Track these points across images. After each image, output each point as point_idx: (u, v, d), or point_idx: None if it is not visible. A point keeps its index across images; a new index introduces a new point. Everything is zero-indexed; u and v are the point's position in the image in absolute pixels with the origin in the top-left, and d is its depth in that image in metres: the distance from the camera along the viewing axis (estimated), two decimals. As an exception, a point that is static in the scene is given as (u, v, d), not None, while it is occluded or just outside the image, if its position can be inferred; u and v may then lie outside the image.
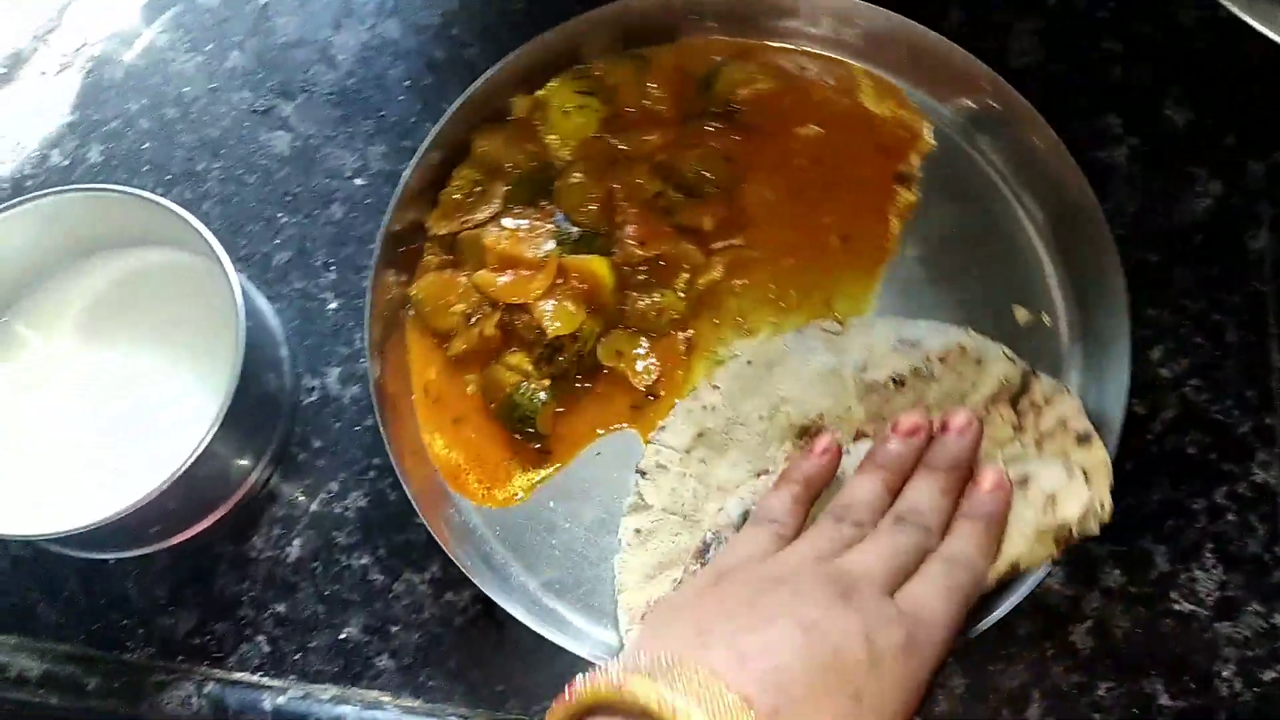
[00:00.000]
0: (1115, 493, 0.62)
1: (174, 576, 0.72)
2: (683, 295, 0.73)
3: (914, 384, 0.68)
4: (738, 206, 0.75)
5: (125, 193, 0.68)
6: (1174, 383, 0.72)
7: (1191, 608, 0.68)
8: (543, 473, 0.71)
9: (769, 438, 0.69)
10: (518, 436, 0.71)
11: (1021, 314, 0.73)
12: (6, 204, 0.68)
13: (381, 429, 0.67)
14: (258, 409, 0.68)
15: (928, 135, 0.77)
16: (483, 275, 0.72)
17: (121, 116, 0.85)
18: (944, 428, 0.63)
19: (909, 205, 0.76)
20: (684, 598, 0.59)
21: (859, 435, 0.68)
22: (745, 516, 0.65)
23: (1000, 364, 0.68)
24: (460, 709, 0.68)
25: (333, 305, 0.78)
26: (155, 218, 0.68)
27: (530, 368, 0.71)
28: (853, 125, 0.77)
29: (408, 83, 0.84)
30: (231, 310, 0.65)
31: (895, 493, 0.62)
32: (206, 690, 0.69)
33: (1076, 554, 0.66)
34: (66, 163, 0.84)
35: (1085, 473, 0.63)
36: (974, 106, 0.76)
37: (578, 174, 0.74)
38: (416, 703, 0.69)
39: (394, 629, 0.70)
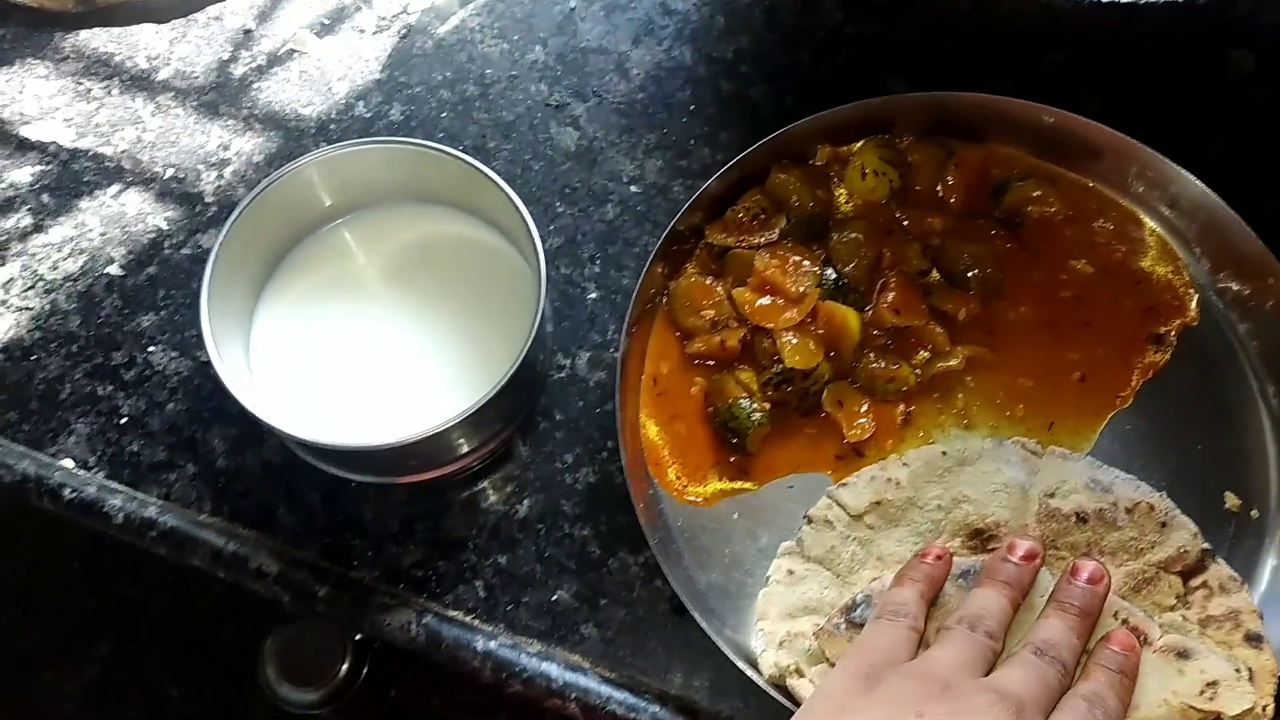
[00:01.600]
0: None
1: (409, 510, 0.77)
2: (918, 372, 0.76)
3: (1095, 525, 0.69)
4: (993, 311, 0.78)
5: (458, 157, 0.72)
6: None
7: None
8: (736, 486, 0.75)
9: (940, 528, 0.71)
10: (725, 447, 0.75)
11: (1232, 500, 0.74)
12: (364, 140, 0.74)
13: (616, 397, 0.72)
14: (522, 380, 0.72)
15: (1194, 310, 0.78)
16: (743, 291, 0.76)
17: (425, 84, 0.91)
18: (1074, 572, 0.65)
19: (1155, 365, 0.77)
20: (840, 692, 0.60)
21: None
22: None
23: (1183, 534, 0.69)
24: (654, 688, 0.72)
25: (593, 295, 0.83)
26: (474, 185, 0.73)
27: (757, 388, 0.75)
28: (1124, 276, 0.79)
29: (693, 107, 0.89)
30: (518, 284, 0.72)
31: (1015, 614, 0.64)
32: (425, 620, 0.73)
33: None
34: (369, 115, 0.90)
35: (1251, 672, 0.64)
36: (1247, 293, 0.77)
37: (856, 231, 0.78)
38: (614, 674, 0.72)
39: (603, 601, 0.74)
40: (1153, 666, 0.64)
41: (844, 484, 0.73)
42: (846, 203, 0.81)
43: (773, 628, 0.70)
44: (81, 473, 0.78)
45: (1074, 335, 0.78)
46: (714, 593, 0.73)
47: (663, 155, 0.87)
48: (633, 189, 0.87)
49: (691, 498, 0.75)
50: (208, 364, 0.67)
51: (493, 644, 0.73)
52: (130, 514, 0.76)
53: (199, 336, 0.68)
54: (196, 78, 0.92)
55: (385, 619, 0.73)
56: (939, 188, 0.81)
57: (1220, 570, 0.68)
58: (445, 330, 0.76)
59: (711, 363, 0.77)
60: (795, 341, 0.75)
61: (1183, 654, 0.64)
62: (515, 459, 0.78)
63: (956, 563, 0.68)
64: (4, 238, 0.86)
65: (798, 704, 0.66)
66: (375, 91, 0.91)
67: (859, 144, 0.81)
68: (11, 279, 0.85)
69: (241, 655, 0.75)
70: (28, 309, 0.84)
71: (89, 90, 0.92)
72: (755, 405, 0.74)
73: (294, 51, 0.94)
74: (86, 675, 0.83)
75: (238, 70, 0.93)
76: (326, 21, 0.95)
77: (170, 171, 0.88)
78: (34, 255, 0.86)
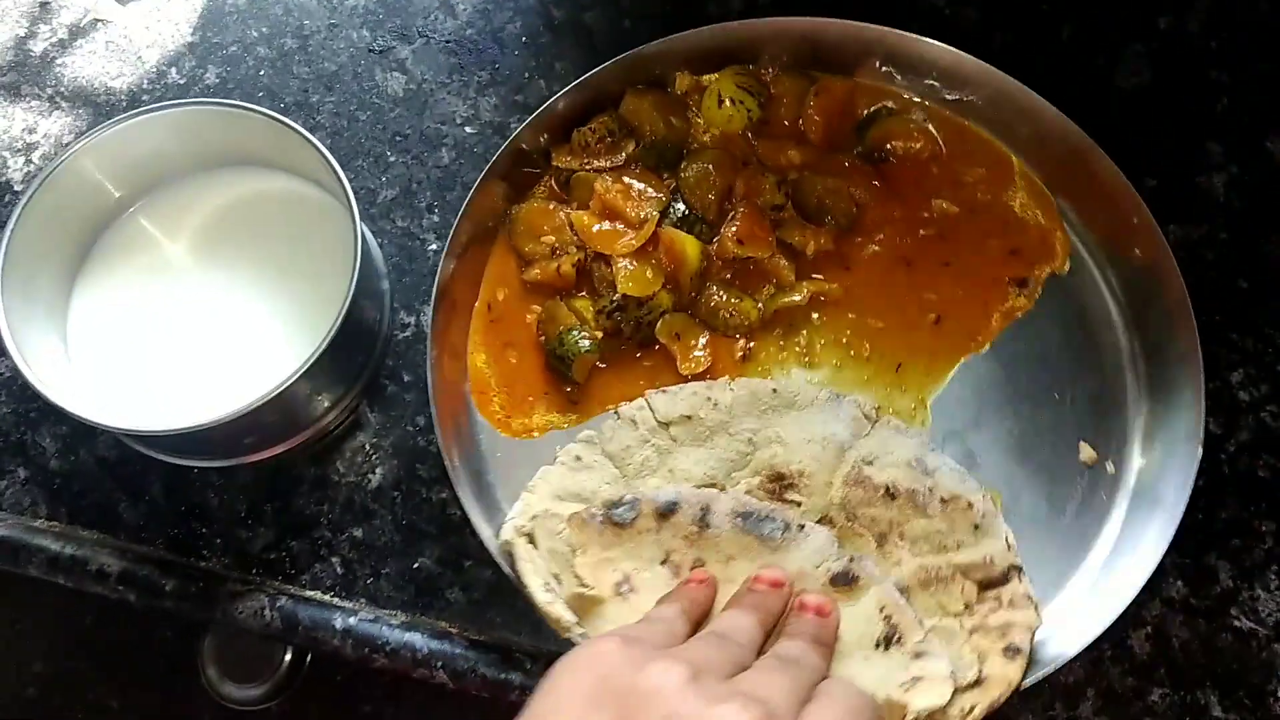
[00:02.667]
0: (1188, 509, 0.65)
1: (255, 492, 0.73)
2: (760, 307, 0.72)
3: (903, 505, 0.65)
4: (847, 248, 0.74)
5: (256, 112, 0.70)
6: (1252, 406, 0.73)
7: (1252, 625, 0.68)
8: (564, 419, 0.71)
9: (743, 463, 0.68)
10: (556, 377, 0.71)
11: (1087, 452, 0.70)
12: (144, 109, 0.70)
13: (430, 320, 0.68)
14: (356, 337, 0.69)
15: (1061, 256, 0.75)
16: (581, 215, 0.73)
17: (240, 42, 0.87)
18: (802, 605, 0.61)
19: (1016, 310, 0.73)
20: (596, 662, 0.53)
21: (823, 519, 0.66)
22: (671, 507, 0.64)
23: (995, 544, 0.64)
24: (526, 647, 0.68)
25: (433, 246, 0.79)
26: (281, 140, 0.70)
27: (590, 316, 0.71)
28: (992, 217, 0.76)
29: (524, 39, 0.85)
30: (340, 238, 0.68)
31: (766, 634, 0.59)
32: (280, 604, 0.69)
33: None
34: (183, 81, 0.86)
35: (981, 678, 0.60)
36: (1114, 239, 0.74)
37: (708, 161, 0.74)
38: (483, 637, 0.69)
39: (467, 564, 0.70)
40: (886, 661, 0.60)
41: (664, 390, 0.69)
42: (705, 133, 0.77)
43: (535, 501, 0.66)
44: None
45: (932, 275, 0.74)
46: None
47: (496, 92, 0.83)
48: (468, 130, 0.82)
49: (516, 429, 0.71)
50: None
51: (352, 620, 0.69)
52: None
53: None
54: (-9, 57, 0.86)
55: (237, 606, 0.69)
56: (800, 120, 0.77)
57: (1019, 587, 0.63)
58: (269, 297, 0.72)
59: (551, 291, 0.74)
60: (631, 268, 0.71)
61: (918, 655, 0.60)
62: (365, 427, 0.74)
63: (744, 502, 0.64)
64: None
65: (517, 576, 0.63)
66: (188, 55, 0.86)
67: (716, 75, 0.77)
68: None
69: (180, 658, 0.73)
70: None
71: (-125, 83, 0.85)
72: (585, 333, 0.70)
73: (97, 21, 0.88)
74: (23, 696, 0.79)
75: (38, 46, 0.87)
76: (128, -15, 0.89)
77: None
78: None
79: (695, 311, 0.72)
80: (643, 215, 0.72)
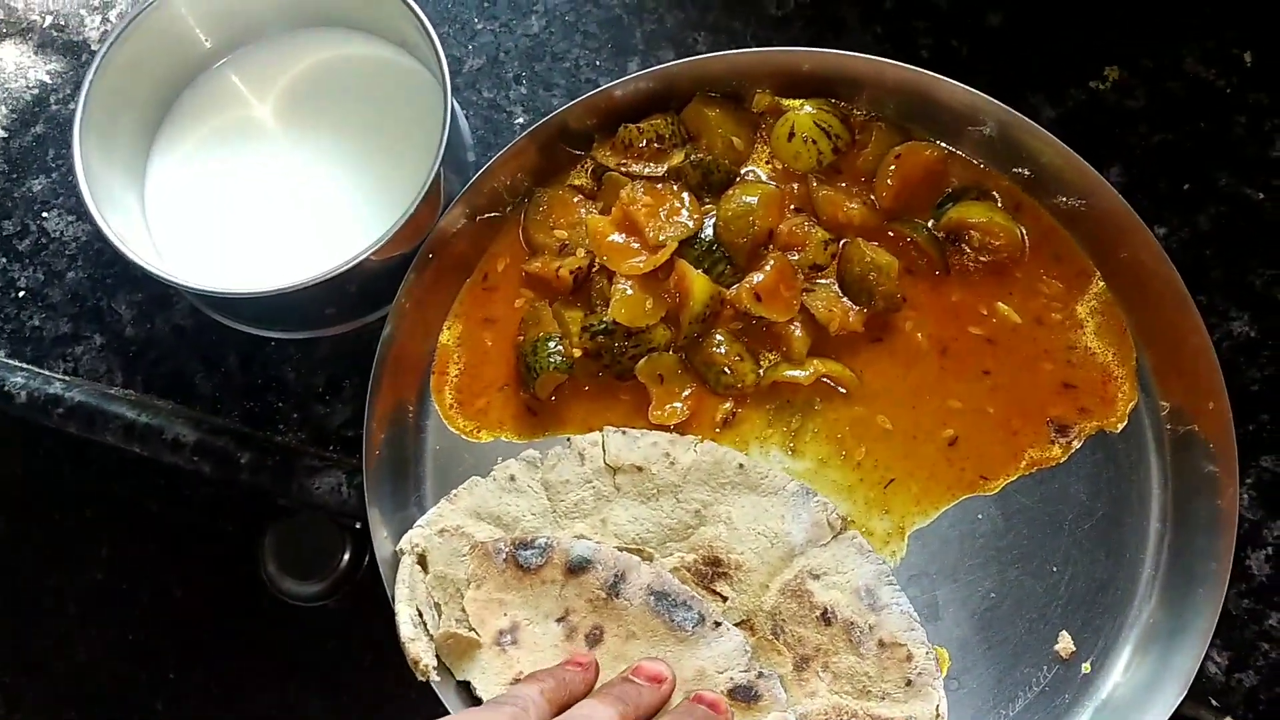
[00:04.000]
0: None
1: (333, 367, 0.70)
2: (759, 373, 0.65)
3: (836, 635, 0.59)
4: (877, 332, 0.66)
5: None
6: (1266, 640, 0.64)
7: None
8: (515, 430, 0.66)
9: (683, 534, 0.61)
10: (520, 380, 0.66)
11: (1065, 642, 0.61)
12: None
13: (410, 273, 0.64)
14: (444, 196, 0.66)
15: (1120, 414, 0.65)
16: (598, 220, 0.66)
17: None
18: (698, 698, 0.56)
19: (1046, 460, 0.64)
20: None
21: (745, 622, 0.60)
22: (583, 564, 0.59)
23: (924, 706, 0.58)
24: None
25: (519, 120, 0.74)
26: (375, 2, 0.66)
27: (575, 330, 0.65)
28: (1056, 339, 0.66)
29: None
30: (429, 109, 0.65)
31: None
32: (357, 482, 0.67)
33: (1266, 479, 0.64)
34: None
35: None
36: (1185, 416, 0.63)
37: (754, 196, 0.66)
38: None
39: None
40: None
41: (624, 431, 0.63)
42: (766, 163, 0.69)
43: (450, 513, 0.62)
44: None
45: (965, 378, 0.65)
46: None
47: None
48: None
49: (462, 425, 0.66)
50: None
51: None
52: (34, 391, 0.70)
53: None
54: (70, -90, 0.83)
55: (314, 482, 0.68)
56: (874, 178, 0.68)
57: None
58: (354, 165, 0.69)
59: (545, 289, 0.68)
60: (630, 294, 0.64)
61: None
62: None
63: (664, 580, 0.59)
64: None
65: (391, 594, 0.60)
66: None
67: (802, 102, 0.68)
68: None
69: (241, 551, 0.73)
70: None
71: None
72: (560, 348, 0.64)
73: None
74: (89, 579, 0.82)
75: None
76: None
77: (49, 19, 0.79)
78: None
79: (689, 355, 0.65)
80: (662, 238, 0.65)
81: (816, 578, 0.60)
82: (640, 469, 0.62)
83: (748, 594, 0.60)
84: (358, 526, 0.69)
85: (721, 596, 0.60)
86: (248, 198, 0.69)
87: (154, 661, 0.80)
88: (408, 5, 0.64)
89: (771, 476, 0.62)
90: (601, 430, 0.63)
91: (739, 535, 0.60)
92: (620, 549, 0.60)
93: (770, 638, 0.59)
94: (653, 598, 0.58)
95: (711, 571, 0.60)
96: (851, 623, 0.59)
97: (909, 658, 0.58)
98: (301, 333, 0.69)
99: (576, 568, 0.59)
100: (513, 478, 0.62)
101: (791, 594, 0.59)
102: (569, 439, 0.63)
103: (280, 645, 0.75)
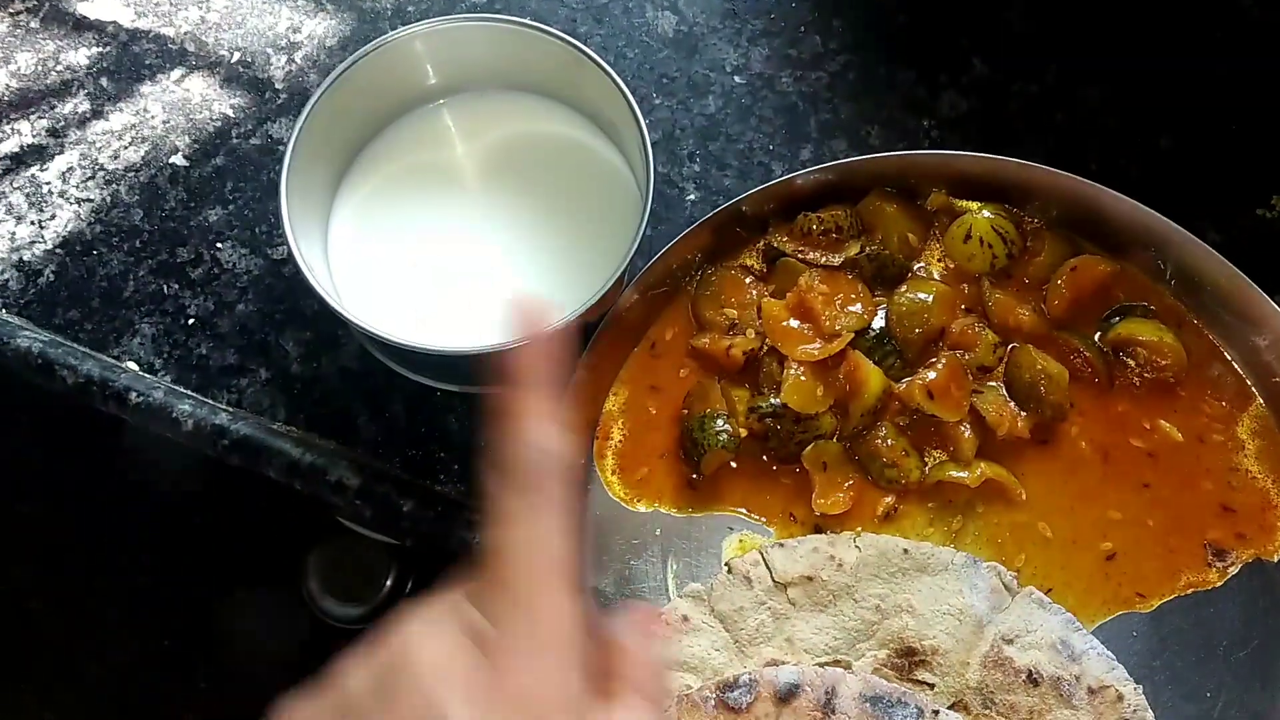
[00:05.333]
0: None
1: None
2: (924, 471, 0.65)
3: (1046, 692, 0.59)
4: (1042, 437, 0.66)
5: (566, 42, 0.67)
6: None
7: None
8: (675, 502, 0.66)
9: (869, 632, 0.61)
10: (682, 454, 0.66)
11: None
12: (468, 15, 0.68)
13: (589, 345, 0.64)
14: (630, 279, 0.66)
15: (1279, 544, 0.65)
16: (773, 304, 0.67)
17: None
18: None
19: (1203, 584, 0.64)
20: None
21: (957, 703, 0.59)
22: (793, 690, 0.58)
23: None
24: None
25: (691, 196, 0.76)
26: (579, 74, 0.67)
27: (742, 410, 0.66)
28: (1218, 459, 0.66)
29: None
30: (622, 187, 0.68)
31: None
32: None
33: None
34: None
35: None
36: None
37: (929, 293, 0.67)
38: None
39: None
40: None
41: (781, 544, 0.63)
42: (938, 260, 0.70)
43: None
44: (147, 376, 0.73)
45: (1126, 488, 0.66)
46: (596, 599, 0.64)
47: (769, 43, 0.79)
48: (736, 79, 0.78)
49: (619, 491, 0.66)
50: (280, 262, 0.61)
51: None
52: (200, 420, 0.71)
53: (270, 232, 0.62)
54: (265, -48, 0.85)
55: (475, 535, 0.67)
56: (1045, 286, 0.69)
57: None
58: (539, 233, 0.70)
59: (712, 366, 0.68)
60: (804, 379, 0.65)
61: None
62: None
63: (873, 684, 0.58)
64: (61, 123, 0.81)
65: None
66: None
67: (979, 204, 0.69)
68: (70, 168, 0.79)
69: (285, 567, 0.73)
70: (88, 200, 0.78)
71: (149, -35, 0.85)
72: (728, 426, 0.65)
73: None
74: (133, 583, 0.82)
75: None
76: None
77: (237, 55, 0.82)
78: (93, 143, 0.80)
79: (854, 447, 0.66)
80: (838, 327, 0.66)
81: (1010, 642, 0.60)
82: (810, 578, 0.62)
83: (951, 675, 0.60)
84: (405, 546, 0.69)
85: (927, 684, 0.60)
86: (431, 248, 0.70)
87: (187, 671, 0.80)
88: (634, 116, 0.65)
89: (937, 554, 0.62)
90: (759, 549, 0.63)
91: (925, 620, 0.60)
92: (819, 664, 0.60)
93: (984, 712, 0.59)
94: (868, 704, 0.58)
95: (908, 663, 0.60)
96: (1058, 678, 0.59)
97: (1120, 698, 0.59)
98: (470, 387, 0.70)
99: (786, 695, 0.58)
100: (685, 618, 0.62)
101: (993, 664, 0.59)
102: (727, 565, 0.64)
103: (316, 666, 0.75)
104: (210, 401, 0.72)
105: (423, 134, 0.72)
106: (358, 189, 0.71)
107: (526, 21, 0.68)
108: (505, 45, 0.69)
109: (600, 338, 0.65)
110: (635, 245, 0.62)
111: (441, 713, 0.35)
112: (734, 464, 0.66)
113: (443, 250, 0.69)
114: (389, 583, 0.72)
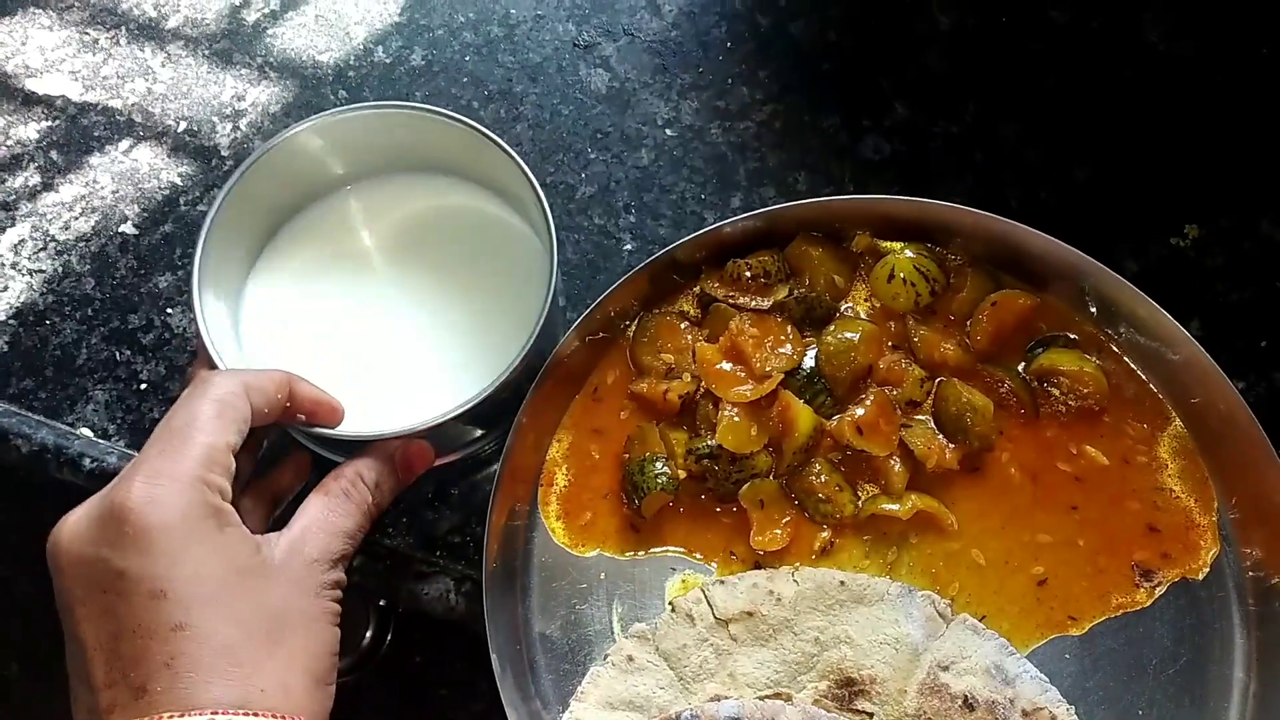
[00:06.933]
0: None
1: (442, 474, 0.73)
2: (858, 505, 0.67)
3: (982, 718, 0.60)
4: (972, 466, 0.69)
5: (469, 127, 0.68)
6: None
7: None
8: (618, 543, 0.68)
9: (810, 664, 0.63)
10: (624, 496, 0.68)
11: (1148, 791, 0.62)
12: (355, 106, 0.70)
13: (533, 384, 0.66)
14: (533, 360, 0.67)
15: (1206, 563, 0.67)
16: (707, 348, 0.69)
17: (447, 26, 0.86)
18: None
19: (1132, 604, 0.66)
20: None
21: None
22: None
23: None
24: None
25: (629, 247, 0.79)
26: (485, 155, 0.69)
27: (680, 452, 0.68)
28: (1143, 481, 0.68)
29: (729, 44, 0.84)
30: (534, 259, 0.69)
31: None
32: (465, 589, 0.70)
33: None
34: (389, 60, 0.86)
35: None
36: (1268, 569, 0.65)
37: (855, 332, 0.69)
38: None
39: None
40: None
41: (721, 581, 0.65)
42: (865, 300, 0.72)
43: (583, 711, 0.62)
44: (101, 442, 0.75)
45: (1055, 512, 0.68)
46: (543, 644, 0.66)
47: (699, 96, 0.82)
48: (668, 132, 0.81)
49: (563, 537, 0.68)
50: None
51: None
52: None
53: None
54: (208, 25, 0.88)
55: (423, 588, 0.70)
56: (969, 322, 0.71)
57: None
58: (451, 307, 0.72)
59: (650, 410, 0.70)
60: (737, 420, 0.67)
61: None
62: None
63: (813, 715, 0.60)
64: (12, 197, 0.83)
65: None
66: (395, 35, 0.86)
67: (902, 245, 0.72)
68: (21, 240, 0.81)
69: None
70: (39, 271, 0.80)
71: (95, 40, 0.88)
72: (668, 469, 0.67)
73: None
74: None
75: (250, 16, 0.88)
76: (341, -36, 0.90)
77: (183, 125, 0.84)
78: (44, 215, 0.82)
79: (789, 484, 0.68)
80: (768, 369, 0.68)
81: (946, 669, 0.62)
82: (750, 614, 0.64)
83: (889, 703, 0.62)
84: (381, 604, 0.71)
85: (866, 714, 0.61)
86: (345, 331, 0.71)
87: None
88: (531, 185, 0.66)
89: (873, 585, 0.64)
90: (700, 587, 0.65)
91: (863, 650, 0.62)
92: (761, 698, 0.61)
93: None
94: None
95: (848, 693, 0.61)
96: (993, 702, 0.60)
97: (1053, 718, 0.60)
98: None
99: None
100: (630, 658, 0.64)
101: (930, 691, 0.61)
102: (670, 604, 0.65)
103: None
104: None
105: (329, 222, 0.74)
106: (274, 272, 0.73)
107: (423, 107, 0.70)
108: (406, 130, 0.71)
109: (542, 384, 0.67)
110: (541, 322, 0.63)
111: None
112: (675, 505, 0.68)
113: (354, 334, 0.71)
114: (368, 634, 0.72)
